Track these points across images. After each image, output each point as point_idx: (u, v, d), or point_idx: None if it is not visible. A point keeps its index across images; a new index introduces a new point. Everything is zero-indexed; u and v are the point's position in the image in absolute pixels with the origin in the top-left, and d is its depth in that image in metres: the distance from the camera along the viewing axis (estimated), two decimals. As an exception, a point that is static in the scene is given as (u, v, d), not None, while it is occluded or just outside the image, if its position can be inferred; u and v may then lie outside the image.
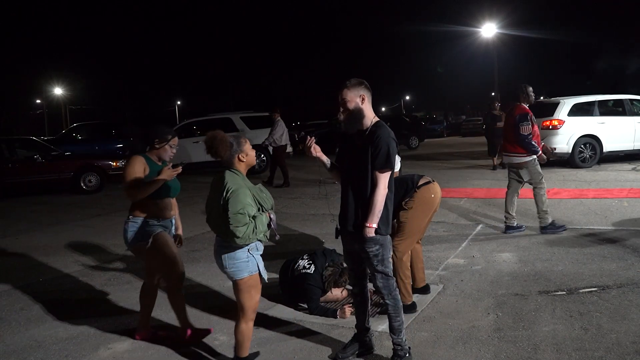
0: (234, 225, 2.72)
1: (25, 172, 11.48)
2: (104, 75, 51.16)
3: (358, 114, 2.99)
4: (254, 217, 2.78)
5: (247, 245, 2.86)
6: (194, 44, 70.13)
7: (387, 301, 3.07)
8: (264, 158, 14.12)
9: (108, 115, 37.50)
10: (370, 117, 3.02)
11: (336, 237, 3.22)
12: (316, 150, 3.12)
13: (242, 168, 2.96)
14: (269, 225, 2.88)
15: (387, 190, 2.96)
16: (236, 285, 2.95)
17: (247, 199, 2.77)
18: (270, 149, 11.66)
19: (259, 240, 2.92)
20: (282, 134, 11.28)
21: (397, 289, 3.14)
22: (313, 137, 3.13)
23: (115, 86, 51.52)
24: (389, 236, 3.06)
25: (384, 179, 2.93)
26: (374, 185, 2.92)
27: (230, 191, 2.78)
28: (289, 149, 15.87)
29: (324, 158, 3.18)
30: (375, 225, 2.93)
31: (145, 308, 3.65)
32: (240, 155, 2.94)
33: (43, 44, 51.79)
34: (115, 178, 12.25)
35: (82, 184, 11.74)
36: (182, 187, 3.62)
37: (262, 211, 2.89)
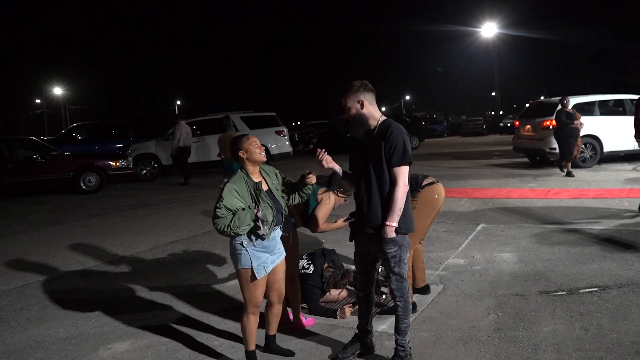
0: (212, 217, 2.92)
1: (25, 172, 11.48)
2: (104, 75, 51.20)
3: (359, 118, 2.99)
4: (234, 212, 2.89)
5: (236, 237, 2.95)
6: (194, 44, 70.16)
7: (398, 303, 3.04)
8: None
9: (108, 115, 37.48)
10: (375, 117, 3.00)
11: (350, 240, 3.20)
12: (328, 162, 3.07)
13: (246, 164, 3.07)
14: (256, 222, 2.91)
15: (407, 186, 2.92)
16: (237, 275, 3.08)
17: (228, 194, 2.90)
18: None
19: (259, 237, 2.96)
20: (184, 137, 12.59)
21: (410, 292, 3.11)
22: (324, 150, 3.09)
23: (115, 86, 51.57)
24: (407, 237, 3.02)
25: (402, 175, 2.89)
26: (393, 182, 2.89)
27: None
28: (289, 149, 15.99)
29: (337, 167, 3.14)
30: (395, 224, 2.89)
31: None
32: (240, 153, 3.05)
33: (43, 43, 51.77)
34: (115, 178, 12.28)
35: (82, 184, 11.73)
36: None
37: (256, 207, 2.96)
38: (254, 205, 2.96)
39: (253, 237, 2.96)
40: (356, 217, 3.11)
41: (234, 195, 2.91)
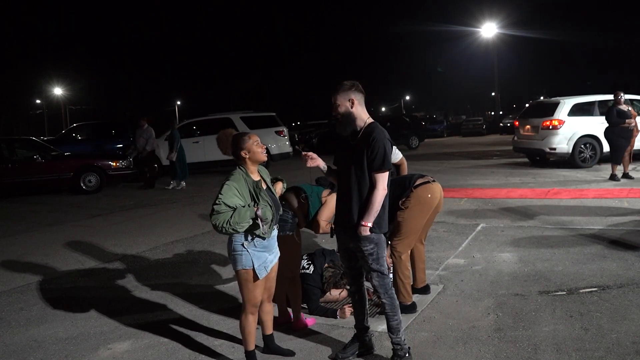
0: (210, 214, 2.92)
1: (25, 172, 11.47)
2: (104, 75, 51.11)
3: (348, 117, 3.04)
4: (234, 209, 2.89)
5: (235, 237, 2.97)
6: (194, 44, 70.13)
7: (383, 300, 3.08)
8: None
9: (108, 115, 37.45)
10: (363, 118, 3.05)
11: (331, 236, 3.28)
12: (311, 164, 3.21)
13: (247, 164, 3.08)
14: (255, 220, 2.93)
15: (386, 190, 2.99)
16: (235, 275, 3.08)
17: (228, 192, 2.91)
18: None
19: (259, 237, 2.98)
20: (148, 140, 12.29)
21: (393, 288, 3.15)
22: (306, 153, 3.22)
23: (115, 86, 51.50)
24: (382, 236, 3.07)
25: (382, 180, 2.95)
26: (373, 186, 2.96)
27: (221, 185, 2.99)
28: (289, 149, 15.98)
29: (322, 164, 3.28)
30: (370, 224, 2.96)
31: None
32: (242, 152, 3.05)
33: (43, 43, 51.73)
34: (115, 178, 12.28)
35: (82, 184, 11.73)
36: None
37: (255, 206, 2.98)
38: (253, 203, 2.97)
39: (250, 237, 2.97)
40: (336, 213, 3.18)
41: (234, 193, 2.93)
